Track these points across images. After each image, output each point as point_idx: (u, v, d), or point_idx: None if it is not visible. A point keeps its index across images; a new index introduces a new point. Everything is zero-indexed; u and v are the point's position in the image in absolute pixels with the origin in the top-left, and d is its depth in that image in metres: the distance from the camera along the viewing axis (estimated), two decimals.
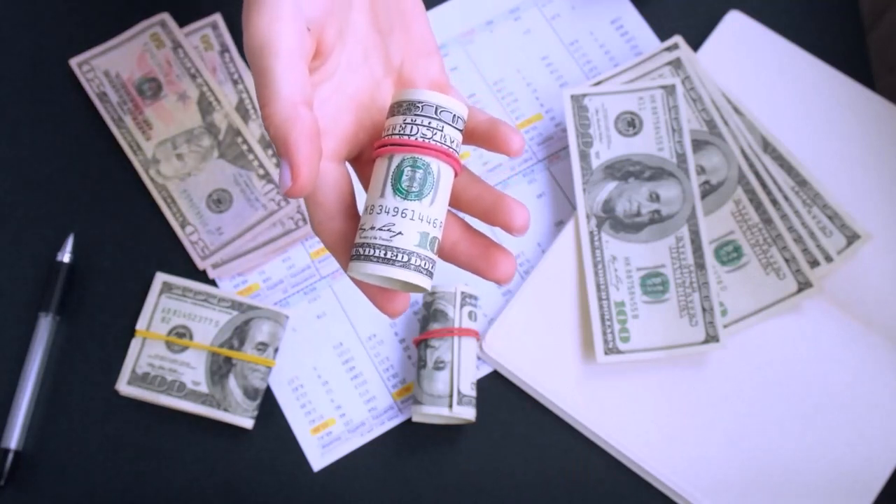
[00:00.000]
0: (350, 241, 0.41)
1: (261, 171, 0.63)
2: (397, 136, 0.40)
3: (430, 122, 0.40)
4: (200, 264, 0.62)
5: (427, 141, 0.40)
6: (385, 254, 0.38)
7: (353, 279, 0.41)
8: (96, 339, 0.61)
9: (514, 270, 0.42)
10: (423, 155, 0.39)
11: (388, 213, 0.39)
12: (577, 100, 0.64)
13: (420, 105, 0.40)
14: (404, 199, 0.39)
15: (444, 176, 0.40)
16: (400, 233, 0.39)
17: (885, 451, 0.60)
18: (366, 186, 0.43)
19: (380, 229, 0.39)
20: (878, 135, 0.66)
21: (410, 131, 0.40)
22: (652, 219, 0.62)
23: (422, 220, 0.39)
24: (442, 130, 0.40)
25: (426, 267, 0.39)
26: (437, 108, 0.40)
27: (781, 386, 0.61)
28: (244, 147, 0.64)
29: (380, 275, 0.39)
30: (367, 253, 0.39)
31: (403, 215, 0.39)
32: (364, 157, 0.44)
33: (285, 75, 0.39)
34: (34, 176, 0.64)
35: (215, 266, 0.62)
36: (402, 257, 0.38)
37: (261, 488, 0.59)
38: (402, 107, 0.40)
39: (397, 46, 0.45)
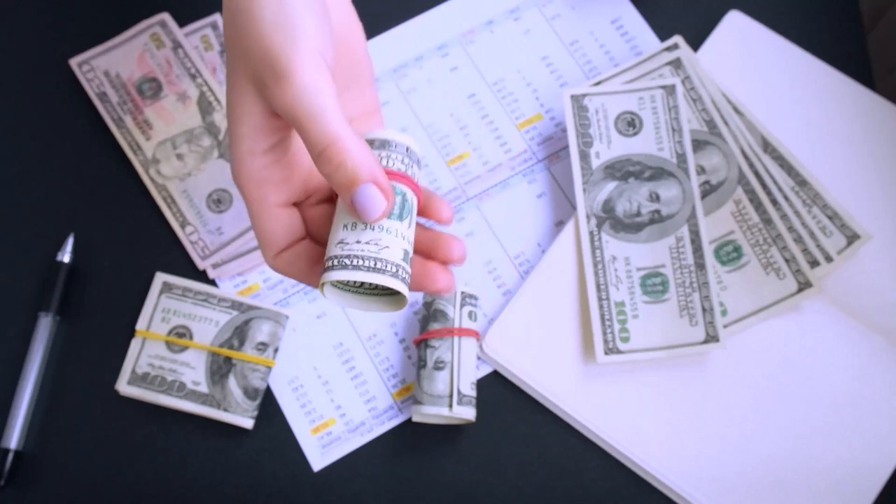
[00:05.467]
0: (311, 262, 0.44)
1: None
2: None
3: (402, 159, 0.43)
4: (200, 264, 0.62)
5: (403, 172, 0.43)
6: (375, 264, 0.40)
7: (328, 291, 0.42)
8: (96, 339, 0.61)
9: (453, 283, 0.45)
10: (402, 183, 0.43)
11: (373, 229, 0.41)
12: (577, 100, 0.64)
13: (394, 144, 0.43)
14: (388, 218, 0.42)
15: (414, 205, 0.43)
16: (387, 247, 0.41)
17: (885, 451, 0.60)
18: (309, 227, 0.46)
19: (366, 243, 0.41)
20: (878, 135, 0.66)
21: (388, 163, 0.43)
22: (652, 219, 0.62)
23: (403, 238, 0.42)
24: (411, 168, 0.44)
25: (405, 278, 0.41)
26: (407, 148, 0.44)
27: (781, 386, 0.61)
28: None
29: (368, 280, 0.40)
30: (355, 263, 0.40)
31: (388, 232, 0.41)
32: (310, 200, 0.46)
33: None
34: (34, 176, 0.64)
35: (215, 266, 0.62)
36: (391, 268, 0.41)
37: (261, 488, 0.59)
38: (374, 143, 0.44)
39: (351, 104, 0.49)
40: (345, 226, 0.42)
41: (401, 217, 0.42)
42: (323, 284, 0.41)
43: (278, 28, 0.40)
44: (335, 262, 0.41)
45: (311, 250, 0.45)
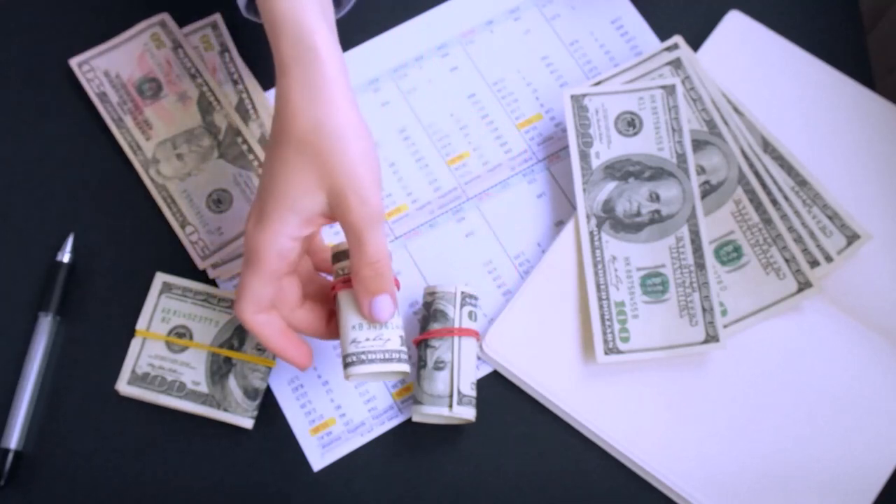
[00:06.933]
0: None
1: (260, 171, 0.63)
2: None
3: None
4: (200, 264, 0.62)
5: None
6: (384, 356, 0.53)
7: (351, 381, 0.57)
8: (96, 339, 0.61)
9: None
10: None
11: (376, 327, 0.53)
12: (577, 100, 0.64)
13: None
14: None
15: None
16: (389, 339, 0.53)
17: (885, 451, 0.60)
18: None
19: (374, 340, 0.53)
20: (878, 135, 0.66)
21: None
22: (652, 219, 0.62)
23: (397, 328, 0.54)
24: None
25: (406, 359, 0.54)
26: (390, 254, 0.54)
27: (781, 386, 0.61)
28: (244, 147, 0.64)
29: (382, 371, 0.53)
30: (370, 358, 0.52)
31: (386, 327, 0.53)
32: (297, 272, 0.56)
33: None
34: (34, 176, 0.64)
35: (215, 266, 0.62)
36: (395, 355, 0.53)
37: (261, 488, 0.59)
38: None
39: None
40: (353, 326, 0.53)
41: (393, 312, 0.53)
42: (348, 377, 0.52)
43: (366, 164, 0.50)
44: (354, 359, 0.52)
45: (282, 325, 0.54)
